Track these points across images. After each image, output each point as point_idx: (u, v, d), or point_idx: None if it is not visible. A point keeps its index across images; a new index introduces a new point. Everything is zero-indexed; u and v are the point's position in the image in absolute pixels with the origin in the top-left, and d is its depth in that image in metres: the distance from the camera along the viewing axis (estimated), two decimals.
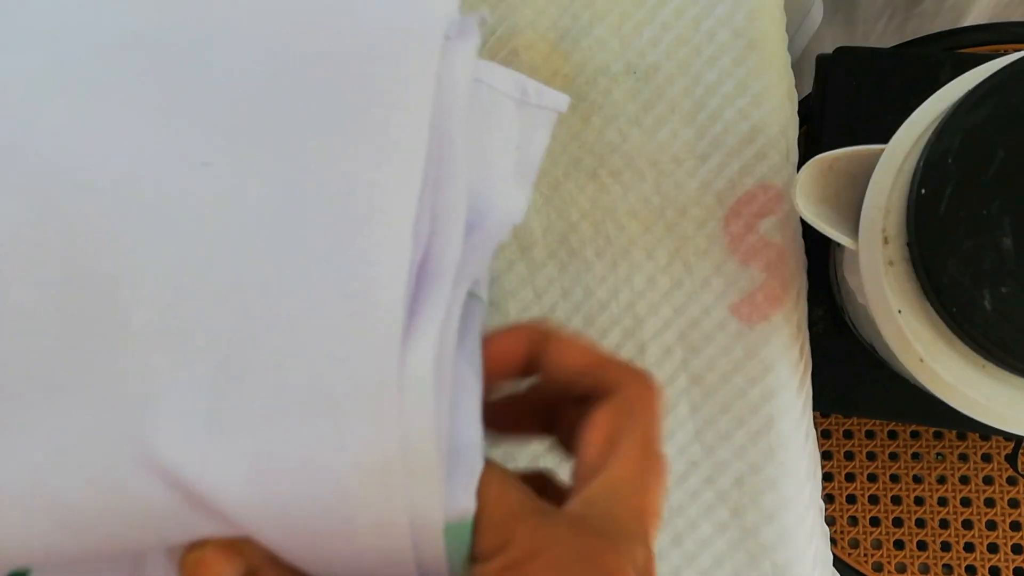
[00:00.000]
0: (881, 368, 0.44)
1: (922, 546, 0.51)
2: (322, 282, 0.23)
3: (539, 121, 0.28)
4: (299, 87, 0.25)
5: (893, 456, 0.52)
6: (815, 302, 0.45)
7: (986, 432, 0.49)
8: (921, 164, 0.33)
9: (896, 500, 0.52)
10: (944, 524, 0.51)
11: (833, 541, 0.51)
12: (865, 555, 0.51)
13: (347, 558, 0.22)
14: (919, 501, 0.51)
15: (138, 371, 0.22)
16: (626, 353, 0.44)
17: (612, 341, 0.44)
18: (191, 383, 0.22)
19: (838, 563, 0.51)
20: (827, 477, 0.52)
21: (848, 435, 0.52)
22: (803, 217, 0.36)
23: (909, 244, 0.33)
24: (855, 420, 0.52)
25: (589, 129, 0.45)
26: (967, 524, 0.51)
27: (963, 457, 0.51)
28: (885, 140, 0.36)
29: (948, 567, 0.51)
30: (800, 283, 0.43)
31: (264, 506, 0.22)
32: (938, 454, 0.52)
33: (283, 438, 0.22)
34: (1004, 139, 0.32)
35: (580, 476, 0.24)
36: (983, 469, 0.51)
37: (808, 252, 0.44)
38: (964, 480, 0.51)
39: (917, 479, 0.52)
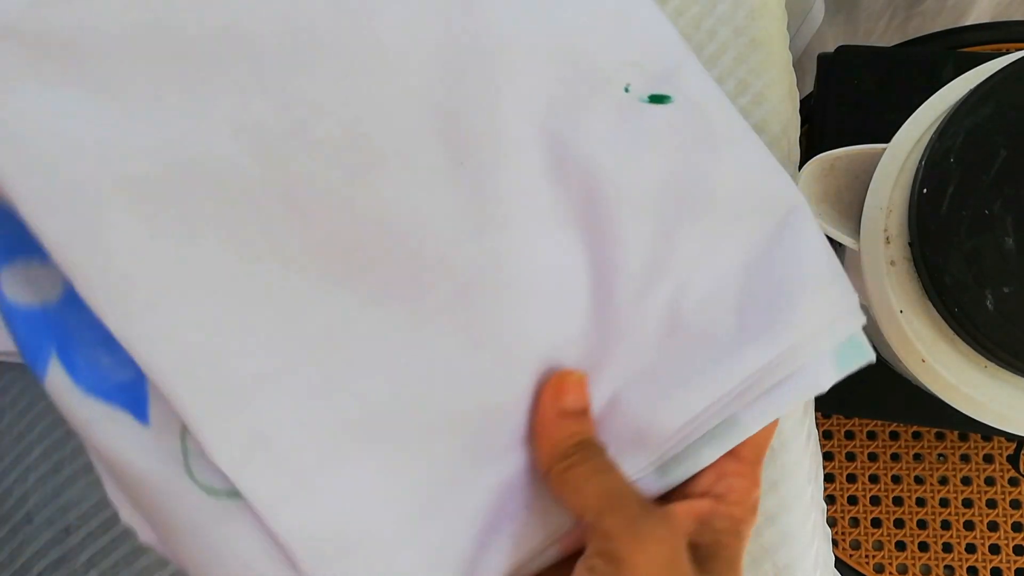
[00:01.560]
0: (883, 369, 0.44)
1: (924, 547, 0.51)
2: None
3: None
4: None
5: (895, 457, 0.52)
6: None
7: (988, 433, 0.49)
8: (923, 163, 0.33)
9: (898, 501, 0.51)
10: (946, 525, 0.51)
11: (835, 542, 0.51)
12: (867, 556, 0.51)
13: None
14: (921, 502, 0.51)
15: None
16: None
17: None
18: None
19: (840, 564, 0.50)
20: (828, 478, 0.52)
21: (850, 436, 0.52)
22: None
23: (911, 244, 0.33)
24: (857, 421, 0.52)
25: None
26: (969, 525, 0.51)
27: (965, 458, 0.51)
28: (887, 139, 0.36)
29: (950, 568, 0.51)
30: None
31: None
32: (940, 455, 0.52)
33: None
34: (1006, 138, 0.32)
35: None
36: (985, 470, 0.51)
37: None
38: (966, 481, 0.51)
39: (919, 480, 0.51)
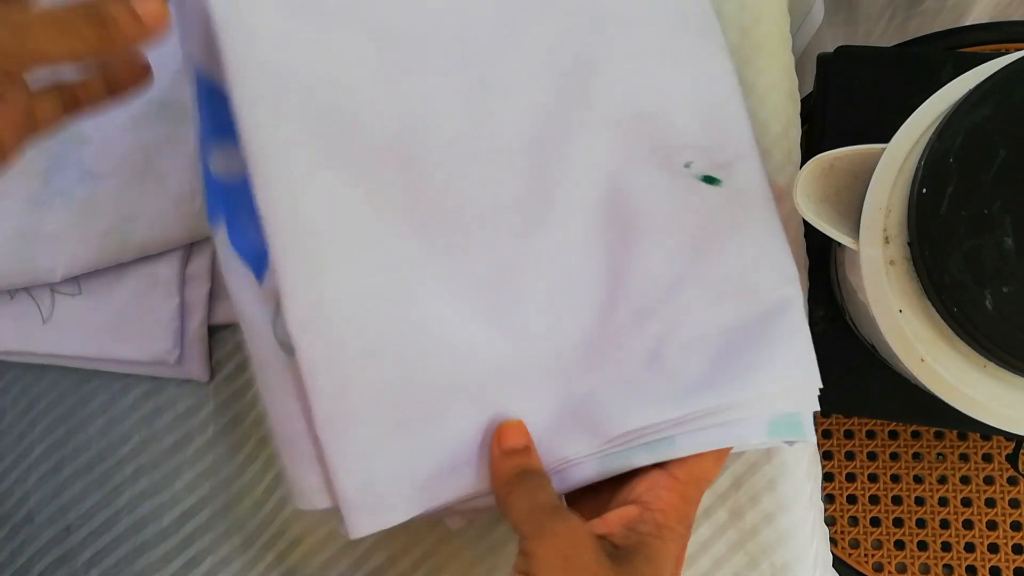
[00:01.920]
0: (882, 368, 0.44)
1: (923, 546, 0.51)
2: None
3: None
4: None
5: (894, 456, 0.52)
6: (816, 302, 0.45)
7: (987, 432, 0.49)
8: (922, 163, 0.33)
9: (897, 500, 0.52)
10: (945, 524, 0.51)
11: (833, 541, 0.51)
12: (866, 555, 0.51)
13: None
14: (920, 501, 0.51)
15: None
16: None
17: None
18: None
19: (838, 563, 0.51)
20: (827, 477, 0.52)
21: (849, 435, 0.52)
22: (804, 216, 0.36)
23: (910, 243, 0.33)
24: (856, 420, 0.52)
25: None
26: (968, 524, 0.51)
27: (964, 457, 0.51)
28: (886, 139, 0.36)
29: (949, 567, 0.51)
30: (801, 283, 0.43)
31: None
32: (939, 454, 0.52)
33: None
34: (1005, 138, 0.32)
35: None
36: (984, 469, 0.51)
37: (809, 251, 0.43)
38: (965, 480, 0.51)
39: (918, 479, 0.52)
